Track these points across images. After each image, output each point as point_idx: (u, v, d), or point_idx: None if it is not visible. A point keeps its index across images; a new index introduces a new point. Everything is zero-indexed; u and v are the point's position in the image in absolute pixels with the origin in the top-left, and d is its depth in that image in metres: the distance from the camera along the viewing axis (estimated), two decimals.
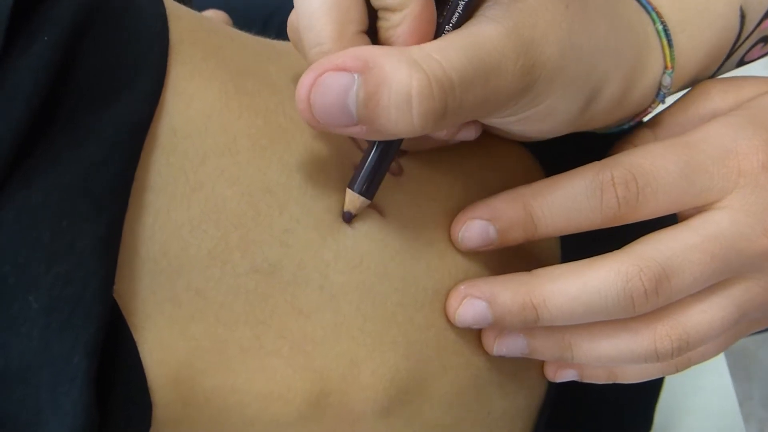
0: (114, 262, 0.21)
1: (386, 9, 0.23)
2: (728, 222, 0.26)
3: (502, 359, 0.29)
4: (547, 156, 0.33)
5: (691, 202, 0.27)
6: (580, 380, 0.31)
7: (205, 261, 0.23)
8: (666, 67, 0.29)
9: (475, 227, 0.27)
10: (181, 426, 0.23)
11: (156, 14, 0.24)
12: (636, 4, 0.30)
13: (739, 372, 1.03)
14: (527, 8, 0.23)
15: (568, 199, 0.26)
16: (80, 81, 0.21)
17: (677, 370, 0.29)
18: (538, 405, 0.32)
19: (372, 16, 0.23)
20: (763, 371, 1.05)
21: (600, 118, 0.28)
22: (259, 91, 0.25)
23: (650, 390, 0.39)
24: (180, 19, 0.24)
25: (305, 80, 0.21)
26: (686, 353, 0.27)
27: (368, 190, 0.25)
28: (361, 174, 0.25)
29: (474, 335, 0.28)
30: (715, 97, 0.31)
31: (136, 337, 0.22)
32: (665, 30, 0.29)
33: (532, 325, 0.27)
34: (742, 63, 0.34)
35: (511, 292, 0.26)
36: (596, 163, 0.27)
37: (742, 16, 0.31)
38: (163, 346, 0.22)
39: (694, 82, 0.32)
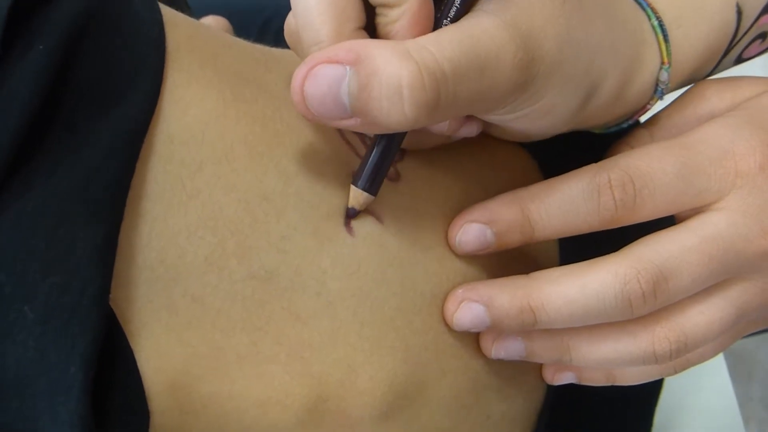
0: (110, 270, 0.21)
1: (384, 5, 0.23)
2: (726, 223, 0.26)
3: (500, 362, 0.29)
4: (546, 157, 0.33)
5: (689, 203, 0.27)
6: (578, 383, 0.31)
7: (201, 268, 0.22)
8: (662, 63, 0.29)
9: (473, 230, 0.27)
10: None
11: (153, 21, 0.24)
12: (631, 0, 0.30)
13: (739, 372, 1.03)
14: (525, 3, 0.23)
15: (566, 202, 0.26)
16: (78, 87, 0.21)
17: (676, 372, 0.29)
18: (537, 408, 0.32)
19: (370, 12, 0.23)
20: (763, 371, 1.05)
21: (599, 114, 0.28)
22: (256, 99, 0.25)
23: (650, 392, 0.39)
24: (177, 26, 0.24)
25: (299, 72, 0.22)
26: (685, 355, 0.27)
27: (372, 187, 0.25)
28: (365, 170, 0.25)
29: (472, 339, 0.28)
30: (712, 97, 0.30)
31: (133, 344, 0.21)
32: (661, 25, 0.29)
33: (530, 328, 0.27)
34: (740, 60, 0.34)
35: (509, 296, 0.26)
36: (593, 165, 0.27)
37: (739, 12, 0.31)
38: (160, 353, 0.22)
39: (692, 79, 0.32)
